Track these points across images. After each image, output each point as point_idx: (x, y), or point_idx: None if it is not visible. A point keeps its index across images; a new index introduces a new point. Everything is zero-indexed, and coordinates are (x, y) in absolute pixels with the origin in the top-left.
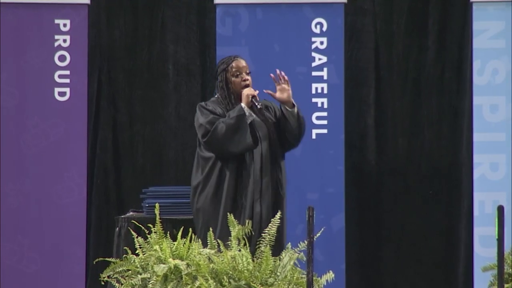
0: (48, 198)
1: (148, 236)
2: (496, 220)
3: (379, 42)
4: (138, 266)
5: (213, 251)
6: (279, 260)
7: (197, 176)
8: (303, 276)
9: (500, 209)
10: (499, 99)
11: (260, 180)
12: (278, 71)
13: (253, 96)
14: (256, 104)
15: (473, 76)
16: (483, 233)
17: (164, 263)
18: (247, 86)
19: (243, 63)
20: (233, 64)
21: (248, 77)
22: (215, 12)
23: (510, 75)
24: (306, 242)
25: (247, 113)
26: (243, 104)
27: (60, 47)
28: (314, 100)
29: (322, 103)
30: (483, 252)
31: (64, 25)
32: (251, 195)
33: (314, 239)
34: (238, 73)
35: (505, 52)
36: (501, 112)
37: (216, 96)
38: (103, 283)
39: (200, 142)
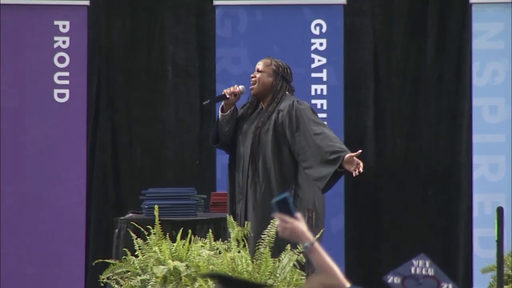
0: (48, 199)
1: (148, 237)
2: (496, 221)
3: (378, 43)
4: (138, 267)
5: (212, 253)
6: (279, 261)
7: None
8: (302, 277)
9: (500, 211)
10: (499, 101)
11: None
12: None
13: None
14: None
15: (472, 78)
16: (483, 235)
17: (163, 265)
18: (253, 83)
19: (259, 61)
20: None
21: (256, 75)
22: (214, 13)
23: (509, 76)
24: None
25: (218, 114)
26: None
27: (59, 49)
28: (313, 101)
29: (322, 104)
30: (483, 253)
31: (64, 26)
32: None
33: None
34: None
35: (504, 53)
36: (501, 114)
37: None
38: (102, 284)
39: None
